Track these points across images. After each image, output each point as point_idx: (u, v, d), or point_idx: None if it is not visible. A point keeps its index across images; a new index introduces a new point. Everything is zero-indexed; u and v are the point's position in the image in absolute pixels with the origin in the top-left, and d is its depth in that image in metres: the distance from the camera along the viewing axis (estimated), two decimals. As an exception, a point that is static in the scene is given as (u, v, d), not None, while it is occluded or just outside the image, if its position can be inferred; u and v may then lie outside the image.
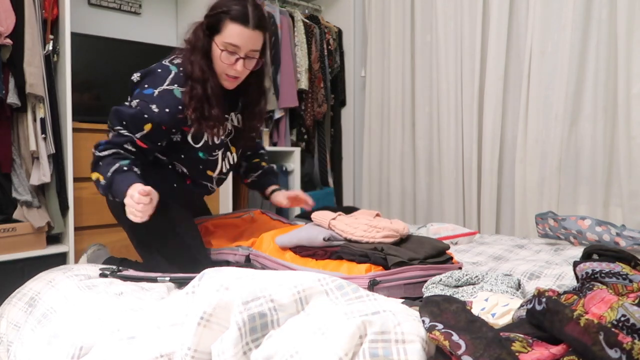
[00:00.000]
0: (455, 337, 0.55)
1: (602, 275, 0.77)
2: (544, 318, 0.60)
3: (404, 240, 1.27)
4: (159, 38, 2.88)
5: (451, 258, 1.26)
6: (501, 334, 0.60)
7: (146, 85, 1.37)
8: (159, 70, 1.40)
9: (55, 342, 0.85)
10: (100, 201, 2.21)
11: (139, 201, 1.16)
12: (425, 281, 1.12)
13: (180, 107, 1.37)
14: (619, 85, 2.05)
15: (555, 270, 1.31)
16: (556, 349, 0.56)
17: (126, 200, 1.20)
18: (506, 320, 0.80)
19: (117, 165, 1.30)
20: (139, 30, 2.82)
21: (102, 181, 1.30)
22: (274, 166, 1.82)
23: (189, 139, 1.43)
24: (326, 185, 3.31)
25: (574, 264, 0.87)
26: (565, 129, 2.23)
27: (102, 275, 1.19)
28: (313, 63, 3.13)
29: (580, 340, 0.53)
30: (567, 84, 2.21)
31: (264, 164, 1.78)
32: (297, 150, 3.01)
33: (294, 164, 3.00)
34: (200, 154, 1.47)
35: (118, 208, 1.44)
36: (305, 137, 3.18)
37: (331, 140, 3.37)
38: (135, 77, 1.41)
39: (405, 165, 2.98)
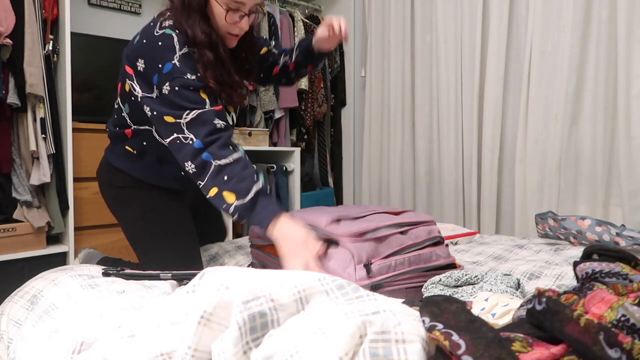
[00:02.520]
0: (455, 337, 0.55)
1: (602, 275, 0.77)
2: (544, 318, 0.60)
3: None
4: (159, 38, 2.88)
5: (454, 263, 1.26)
6: (501, 334, 0.60)
7: (159, 66, 1.18)
8: (159, 43, 1.20)
9: (56, 337, 0.86)
10: (100, 201, 2.22)
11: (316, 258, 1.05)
12: (427, 284, 1.13)
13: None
14: (619, 85, 2.05)
15: (555, 270, 1.31)
16: (556, 349, 0.56)
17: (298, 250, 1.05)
18: (506, 320, 0.80)
19: (255, 182, 1.12)
20: (139, 30, 2.82)
21: (236, 203, 1.10)
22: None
23: None
24: (326, 185, 3.31)
25: (574, 264, 0.87)
26: (565, 129, 2.23)
27: (105, 274, 1.20)
28: (313, 63, 3.13)
29: (581, 340, 0.53)
30: (567, 84, 2.21)
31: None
32: (297, 150, 3.01)
33: (294, 164, 3.00)
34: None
35: (117, 202, 1.42)
36: (305, 137, 3.18)
37: (331, 140, 3.37)
38: (140, 66, 1.21)
39: (405, 165, 2.98)
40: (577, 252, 1.56)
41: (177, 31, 1.23)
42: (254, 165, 1.18)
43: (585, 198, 2.24)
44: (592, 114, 2.19)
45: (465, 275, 1.09)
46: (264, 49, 1.51)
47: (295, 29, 3.08)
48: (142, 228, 1.40)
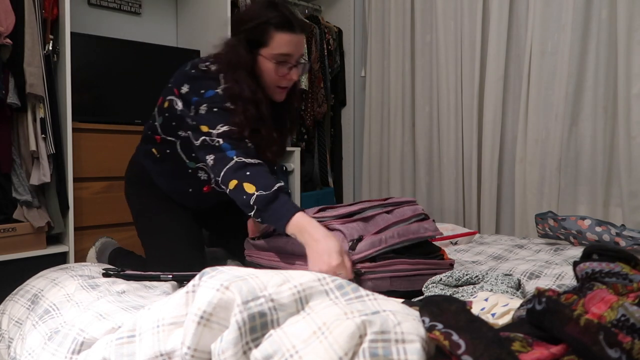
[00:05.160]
0: (455, 337, 0.55)
1: (602, 275, 0.77)
2: (544, 318, 0.60)
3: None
4: (159, 38, 2.88)
5: (442, 254, 1.26)
6: (501, 334, 0.60)
7: (202, 91, 1.29)
8: (205, 74, 1.32)
9: (56, 337, 0.86)
10: (100, 201, 2.22)
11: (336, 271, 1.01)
12: (413, 275, 1.14)
13: None
14: (619, 85, 2.05)
15: (555, 270, 1.31)
16: (556, 349, 0.56)
17: (327, 262, 1.02)
18: (506, 320, 0.80)
19: (276, 182, 1.16)
20: (139, 30, 2.82)
21: (257, 193, 1.13)
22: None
23: None
24: (326, 185, 3.31)
25: (574, 264, 0.87)
26: (565, 129, 2.23)
27: (105, 275, 1.20)
28: (313, 63, 3.13)
29: (580, 340, 0.53)
30: (567, 84, 2.21)
31: None
32: (297, 150, 3.01)
33: (294, 164, 3.00)
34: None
35: (129, 193, 1.58)
36: (305, 137, 3.17)
37: (331, 140, 3.37)
38: (184, 89, 1.33)
39: (405, 165, 2.98)
40: (577, 252, 1.56)
41: (222, 75, 1.30)
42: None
43: (585, 198, 2.24)
44: (592, 114, 2.19)
45: (466, 275, 1.09)
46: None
47: (295, 29, 3.08)
48: (143, 224, 1.55)
